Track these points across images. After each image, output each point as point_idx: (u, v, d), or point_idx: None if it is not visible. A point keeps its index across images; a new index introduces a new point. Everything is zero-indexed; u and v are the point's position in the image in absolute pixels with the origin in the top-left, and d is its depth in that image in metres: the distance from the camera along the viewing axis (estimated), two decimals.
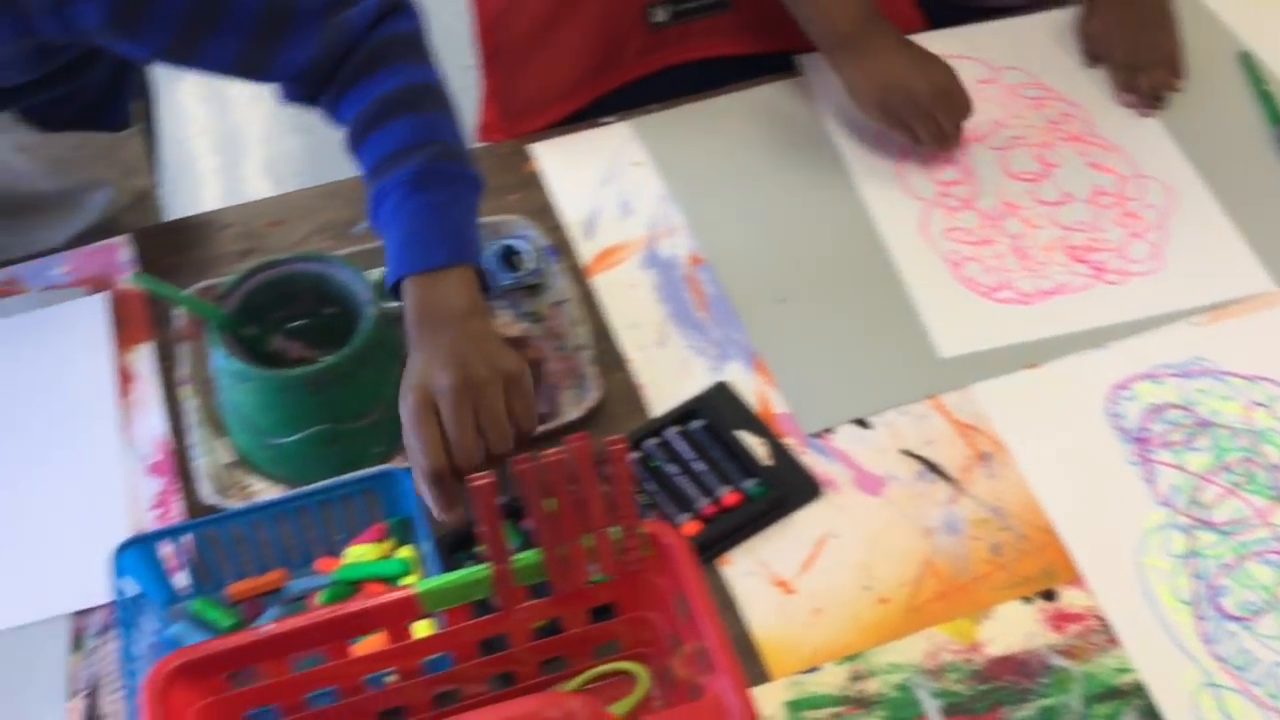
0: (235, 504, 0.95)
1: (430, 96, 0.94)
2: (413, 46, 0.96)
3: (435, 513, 0.85)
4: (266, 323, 0.98)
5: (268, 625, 0.75)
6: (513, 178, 1.19)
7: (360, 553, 0.91)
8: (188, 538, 0.90)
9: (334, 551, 0.93)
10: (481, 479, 0.73)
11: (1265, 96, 1.22)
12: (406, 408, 0.85)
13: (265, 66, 0.94)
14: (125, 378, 1.04)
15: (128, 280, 1.11)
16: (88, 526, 0.96)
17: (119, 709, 0.87)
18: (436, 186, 0.91)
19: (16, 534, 0.96)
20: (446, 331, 0.87)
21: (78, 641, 0.90)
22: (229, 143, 2.55)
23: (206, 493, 0.95)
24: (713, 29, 1.31)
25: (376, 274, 1.00)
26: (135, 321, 1.08)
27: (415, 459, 0.85)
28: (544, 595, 0.79)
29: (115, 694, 0.87)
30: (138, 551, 0.89)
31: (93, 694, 0.88)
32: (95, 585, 0.91)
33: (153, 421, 1.02)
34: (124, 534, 0.94)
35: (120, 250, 1.14)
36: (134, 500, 0.97)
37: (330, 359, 0.92)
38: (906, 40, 1.17)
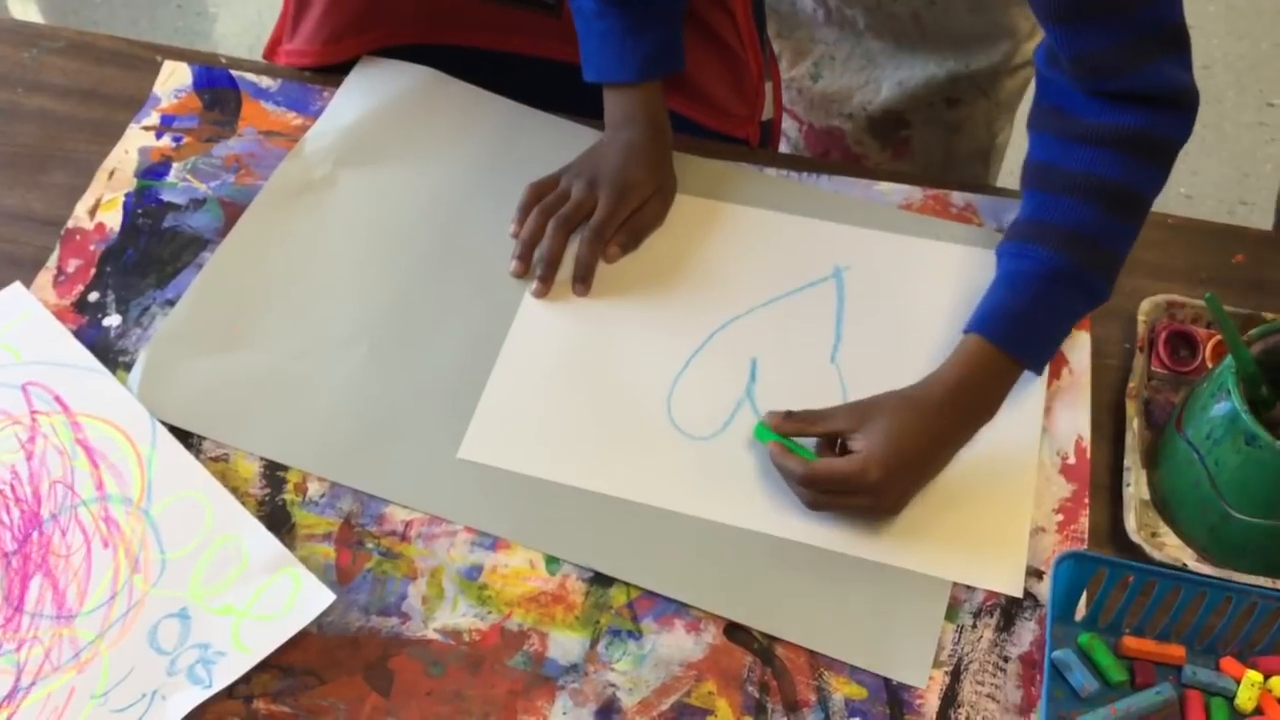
0: (1143, 547, 0.86)
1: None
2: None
3: None
4: (1275, 385, 0.87)
5: None
6: None
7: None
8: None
9: (1241, 656, 0.83)
10: None
11: None
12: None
13: None
14: (1059, 359, 0.98)
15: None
16: (991, 501, 0.90)
17: (978, 701, 0.82)
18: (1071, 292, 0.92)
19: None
20: (931, 423, 0.88)
21: (951, 611, 0.86)
22: None
23: (1131, 527, 0.87)
24: None
25: None
26: None
27: None
28: None
29: (978, 684, 0.83)
30: (1071, 566, 0.82)
31: (955, 673, 0.83)
32: (988, 566, 0.87)
33: (1076, 416, 0.94)
34: (1021, 519, 0.89)
35: None
36: (1042, 492, 0.91)
37: None
38: None
